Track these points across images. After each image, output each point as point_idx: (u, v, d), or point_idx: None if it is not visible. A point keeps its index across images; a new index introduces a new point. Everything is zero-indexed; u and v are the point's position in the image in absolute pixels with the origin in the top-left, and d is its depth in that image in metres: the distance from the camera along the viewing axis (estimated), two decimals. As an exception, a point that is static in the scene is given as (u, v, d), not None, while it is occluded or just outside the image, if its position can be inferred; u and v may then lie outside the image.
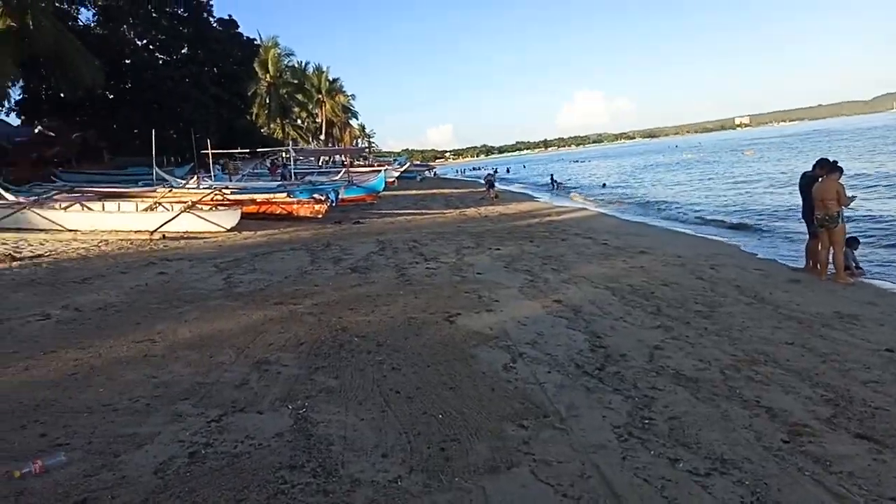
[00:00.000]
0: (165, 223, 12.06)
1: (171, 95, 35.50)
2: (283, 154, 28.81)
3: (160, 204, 13.28)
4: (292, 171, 25.25)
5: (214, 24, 44.80)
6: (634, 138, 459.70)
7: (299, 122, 77.97)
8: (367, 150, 61.74)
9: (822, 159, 8.94)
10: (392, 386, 4.13)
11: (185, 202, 13.02)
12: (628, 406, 3.93)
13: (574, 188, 35.62)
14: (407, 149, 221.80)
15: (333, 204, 16.15)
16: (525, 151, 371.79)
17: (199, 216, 12.67)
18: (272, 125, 65.09)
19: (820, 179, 8.79)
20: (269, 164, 37.69)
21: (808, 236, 9.37)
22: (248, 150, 28.95)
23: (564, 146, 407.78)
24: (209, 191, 14.87)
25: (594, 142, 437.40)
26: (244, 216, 14.51)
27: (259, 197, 15.30)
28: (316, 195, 15.62)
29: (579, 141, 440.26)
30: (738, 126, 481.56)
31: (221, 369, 4.43)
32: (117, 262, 9.17)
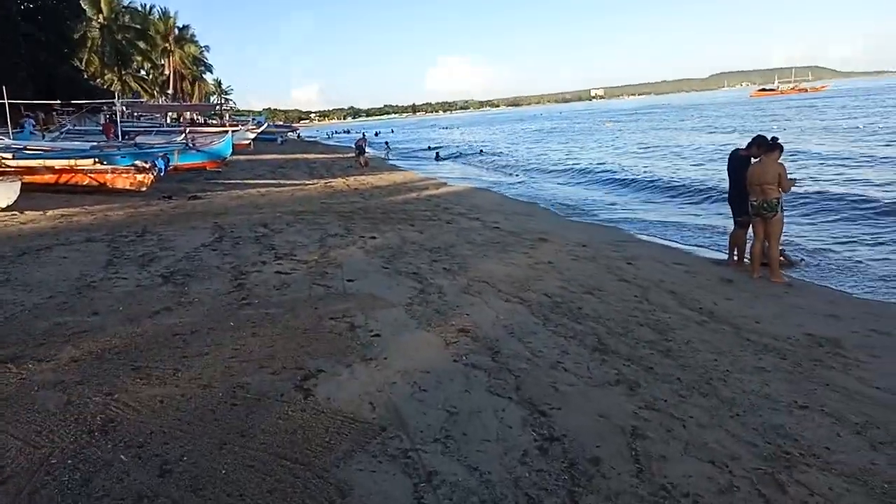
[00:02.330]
0: None
1: (-37, 31, 28.72)
2: (115, 108, 24.13)
3: None
4: (119, 129, 20.94)
5: (26, -54, 37.17)
6: (499, 106, 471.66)
7: (143, 73, 69.27)
8: (218, 106, 55.80)
9: (758, 136, 7.57)
10: None
11: (-66, 170, 9.38)
12: None
13: (453, 157, 33.80)
14: (269, 108, 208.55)
15: (162, 173, 12.90)
16: (393, 116, 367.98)
17: (-48, 190, 9.15)
18: (108, 75, 56.81)
19: (754, 160, 7.47)
20: (104, 121, 32.06)
21: (733, 224, 8.08)
22: (58, 102, 23.84)
23: (433, 111, 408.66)
24: (-23, 154, 11.11)
25: (461, 108, 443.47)
26: (35, 189, 11.03)
27: (58, 163, 11.70)
28: (138, 162, 12.29)
29: (447, 107, 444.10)
30: (594, 97, 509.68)
31: None
32: None
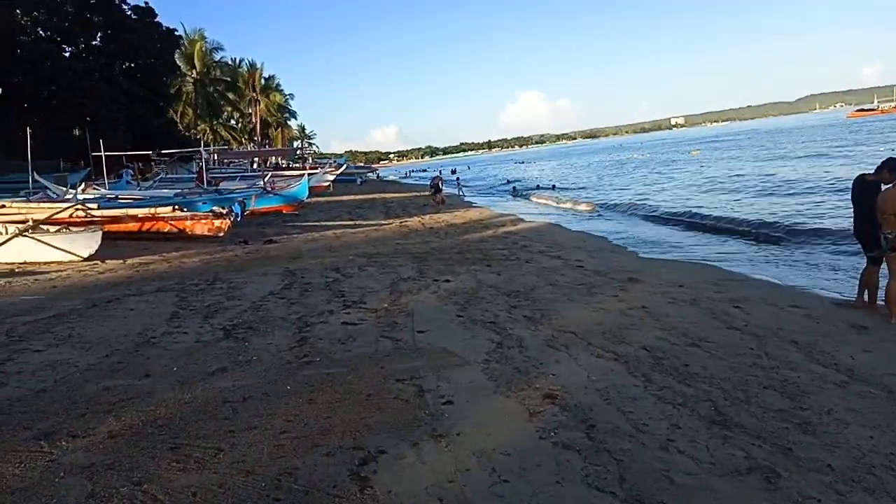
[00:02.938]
0: (-17, 253, 8.73)
1: (73, 89, 31.11)
2: (203, 156, 25.16)
3: (-15, 225, 9.83)
4: (205, 176, 21.72)
5: (128, 13, 40.31)
6: (576, 139, 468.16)
7: (232, 122, 73.24)
8: (299, 150, 57.82)
9: (889, 159, 6.54)
10: None
11: (25, 221, 9.67)
12: None
13: (529, 191, 32.99)
14: (350, 150, 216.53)
15: (238, 218, 12.99)
16: (469, 153, 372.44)
17: (40, 241, 9.36)
18: (201, 125, 60.30)
19: (885, 186, 6.43)
20: (195, 169, 33.69)
21: (864, 261, 6.99)
22: (148, 152, 25.19)
23: (508, 147, 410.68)
24: (67, 205, 11.49)
25: (537, 142, 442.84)
26: (121, 237, 11.27)
27: (141, 212, 11.98)
28: (215, 208, 12.42)
29: (522, 142, 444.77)
30: (674, 126, 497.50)
31: None
32: None
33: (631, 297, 7.28)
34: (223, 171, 34.03)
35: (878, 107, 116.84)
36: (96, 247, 9.63)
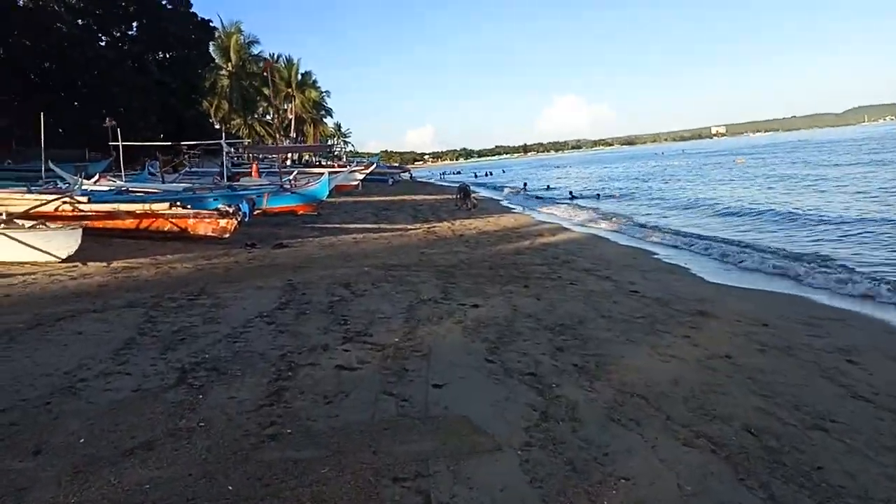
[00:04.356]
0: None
1: (105, 78, 30.55)
2: (225, 148, 24.11)
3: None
4: (226, 170, 20.63)
5: (164, 2, 39.83)
6: (613, 145, 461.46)
7: (268, 118, 73.00)
8: (330, 147, 57.00)
9: None
10: None
11: (-1, 215, 8.54)
12: None
13: (570, 198, 30.88)
14: (386, 150, 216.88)
15: (246, 217, 11.71)
16: (504, 156, 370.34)
17: (13, 238, 8.18)
18: (236, 119, 59.91)
19: None
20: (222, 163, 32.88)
21: None
22: (169, 143, 24.36)
23: (543, 151, 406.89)
24: (52, 197, 10.33)
25: (573, 147, 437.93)
26: (117, 236, 10.12)
27: (136, 207, 10.78)
28: (221, 206, 11.16)
29: (558, 146, 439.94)
30: (715, 135, 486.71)
31: None
32: None
33: (707, 340, 5.74)
34: (244, 167, 33.16)
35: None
36: (75, 246, 8.38)
